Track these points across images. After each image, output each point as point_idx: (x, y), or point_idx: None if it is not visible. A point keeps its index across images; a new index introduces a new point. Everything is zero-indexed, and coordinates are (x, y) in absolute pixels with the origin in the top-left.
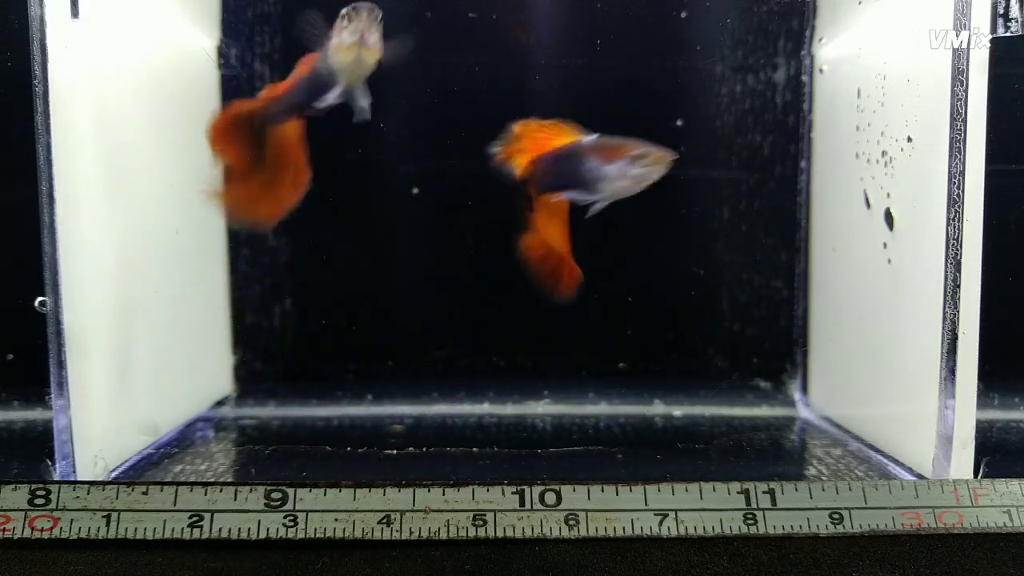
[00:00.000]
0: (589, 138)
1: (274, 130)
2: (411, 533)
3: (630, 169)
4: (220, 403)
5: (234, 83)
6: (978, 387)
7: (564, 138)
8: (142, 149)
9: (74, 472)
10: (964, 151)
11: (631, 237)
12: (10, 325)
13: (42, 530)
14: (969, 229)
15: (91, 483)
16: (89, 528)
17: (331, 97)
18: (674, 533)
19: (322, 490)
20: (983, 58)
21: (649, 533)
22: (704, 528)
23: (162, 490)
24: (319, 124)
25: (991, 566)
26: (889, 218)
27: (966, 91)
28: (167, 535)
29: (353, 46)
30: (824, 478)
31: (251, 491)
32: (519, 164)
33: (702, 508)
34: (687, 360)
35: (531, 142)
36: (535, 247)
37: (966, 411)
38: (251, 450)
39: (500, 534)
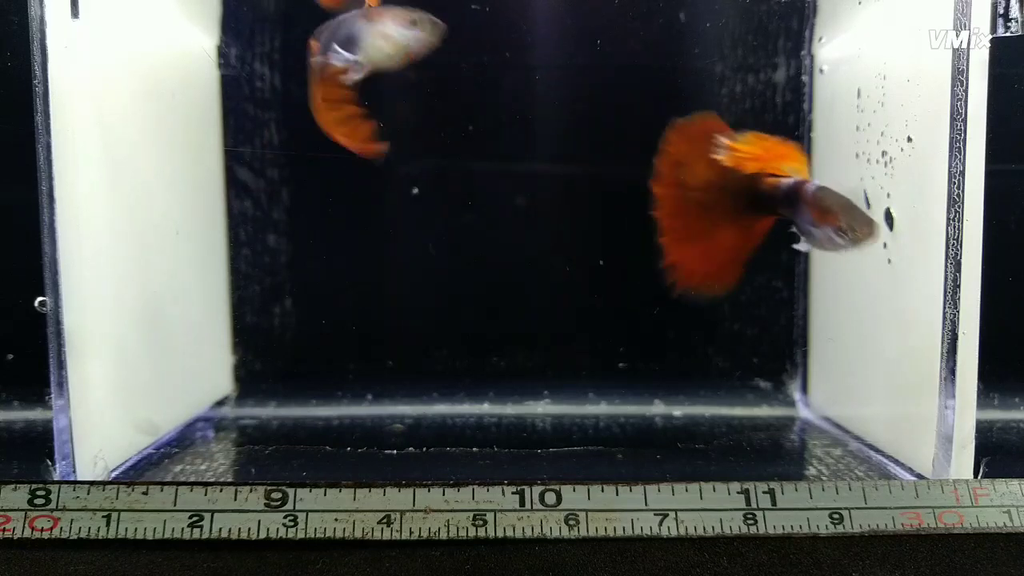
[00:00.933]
0: (812, 184)
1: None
2: (411, 533)
3: (834, 239)
4: (220, 403)
5: (234, 83)
6: (978, 387)
7: (791, 163)
8: (142, 149)
9: (74, 472)
10: (964, 151)
11: (631, 237)
12: (10, 325)
13: (42, 530)
14: (969, 229)
15: (91, 483)
16: (89, 528)
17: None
18: (674, 533)
19: (322, 490)
20: (983, 58)
21: (649, 533)
22: (704, 528)
23: (162, 490)
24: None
25: (991, 566)
26: (889, 218)
27: (966, 91)
28: (167, 535)
29: (399, 46)
30: (824, 478)
31: (251, 491)
32: (741, 169)
33: (702, 508)
34: (687, 360)
35: (762, 152)
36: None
37: (966, 411)
38: (251, 450)
39: (500, 534)
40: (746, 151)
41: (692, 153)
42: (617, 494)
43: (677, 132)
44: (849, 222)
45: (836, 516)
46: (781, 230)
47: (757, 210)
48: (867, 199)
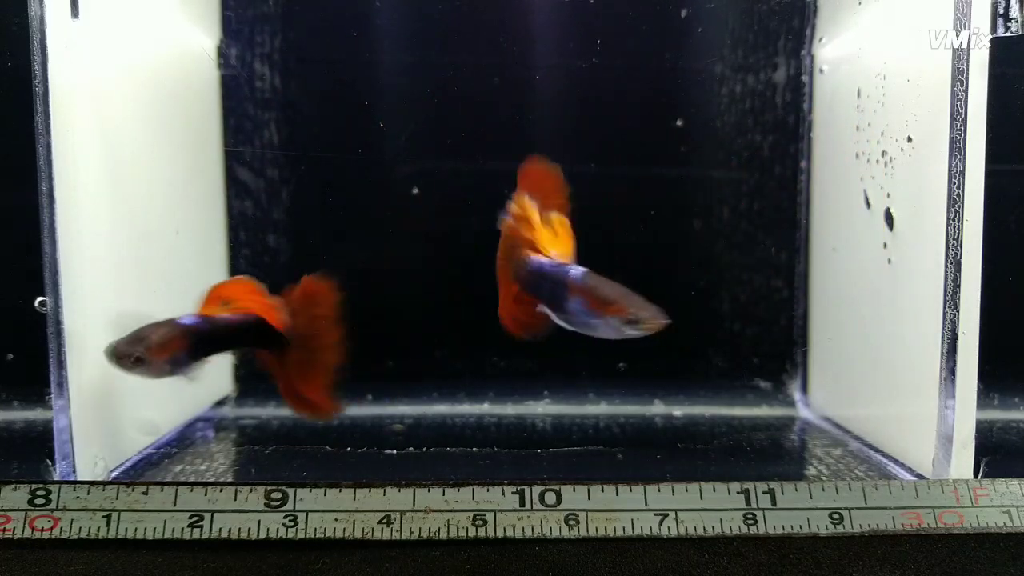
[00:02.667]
0: (577, 272)
1: None
2: (411, 533)
3: (619, 329)
4: (220, 403)
5: (234, 83)
6: (978, 387)
7: (552, 242)
8: (142, 149)
9: (74, 472)
10: (964, 151)
11: (631, 237)
12: (10, 325)
13: (42, 530)
14: (969, 229)
15: (91, 483)
16: (89, 528)
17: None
18: (674, 533)
19: (322, 490)
20: (983, 58)
21: (649, 533)
22: (704, 528)
23: (162, 490)
24: (319, 124)
25: (991, 566)
26: (889, 218)
27: (966, 91)
28: (167, 535)
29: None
30: (824, 478)
31: (251, 491)
32: (506, 249)
33: (702, 508)
34: (687, 360)
35: (522, 224)
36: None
37: (966, 411)
38: (251, 450)
39: (500, 534)
40: (517, 214)
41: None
42: (617, 494)
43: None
44: (634, 312)
45: (836, 516)
46: (781, 229)
47: (527, 292)
48: (867, 199)
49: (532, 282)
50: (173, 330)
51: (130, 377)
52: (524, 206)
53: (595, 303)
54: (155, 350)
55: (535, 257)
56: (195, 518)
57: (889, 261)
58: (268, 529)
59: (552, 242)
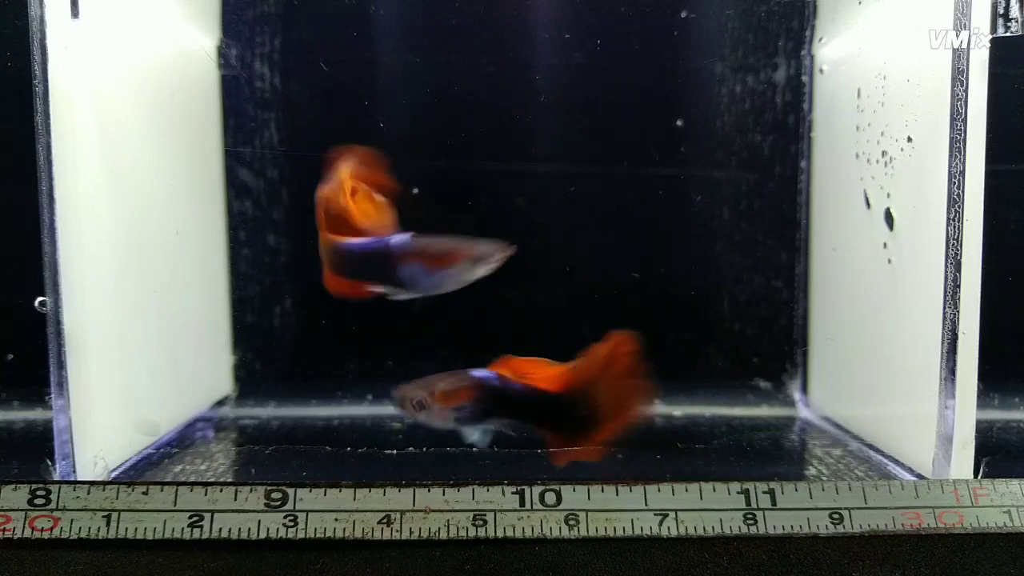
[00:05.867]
0: (399, 238)
1: None
2: (411, 533)
3: (466, 274)
4: (220, 403)
5: (234, 83)
6: (978, 387)
7: (369, 223)
8: (142, 149)
9: (74, 472)
10: (964, 151)
11: (631, 237)
12: (10, 325)
13: (42, 530)
14: (969, 229)
15: (91, 483)
16: (89, 528)
17: None
18: (674, 533)
19: (322, 490)
20: (983, 58)
21: (649, 533)
22: (704, 528)
23: (162, 490)
24: (318, 125)
25: (991, 566)
26: (889, 218)
27: (966, 91)
28: (167, 535)
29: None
30: (824, 478)
31: (251, 491)
32: (322, 237)
33: (702, 508)
34: (687, 360)
35: (334, 213)
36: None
37: (966, 411)
38: (251, 450)
39: (500, 534)
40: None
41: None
42: (617, 494)
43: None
44: (474, 251)
45: (836, 516)
46: (781, 229)
47: (341, 274)
48: (867, 199)
49: (354, 266)
50: (462, 381)
51: (129, 377)
52: (340, 179)
53: (431, 260)
54: (440, 397)
55: (347, 241)
56: (195, 518)
57: (889, 261)
58: (268, 529)
59: (367, 215)
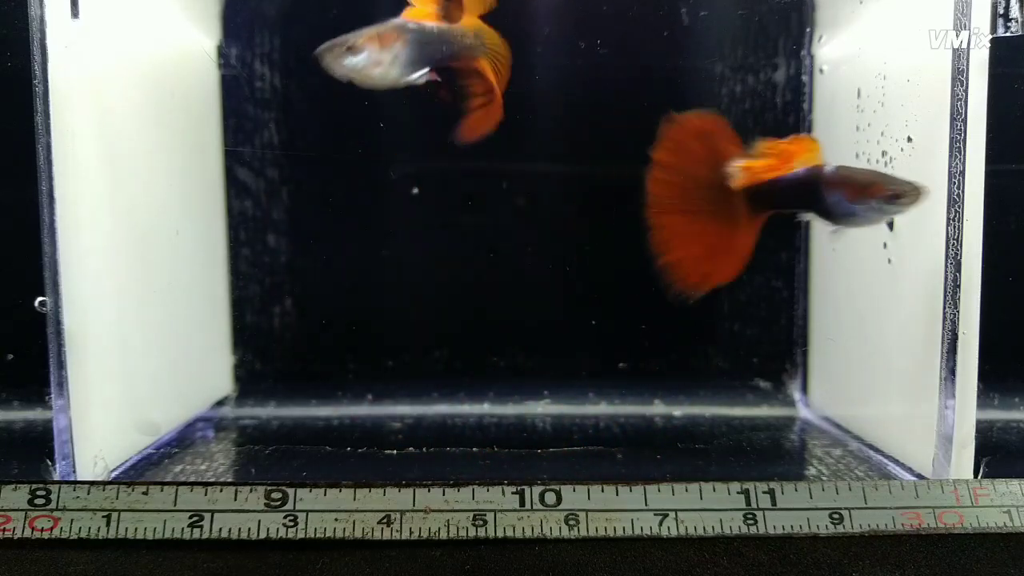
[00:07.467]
0: (829, 168)
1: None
2: (411, 533)
3: (882, 209)
4: (220, 403)
5: (234, 83)
6: (978, 387)
7: (800, 158)
8: (142, 149)
9: (74, 472)
10: (964, 151)
11: (631, 237)
12: (10, 325)
13: (42, 530)
14: (969, 229)
15: (91, 483)
16: (89, 528)
17: None
18: (674, 533)
19: (322, 490)
20: (983, 58)
21: (649, 533)
22: (704, 528)
23: (162, 490)
24: (318, 125)
25: (991, 566)
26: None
27: (966, 91)
28: (167, 535)
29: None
30: (824, 478)
31: (251, 491)
32: (750, 178)
33: (702, 508)
34: (687, 360)
35: (777, 159)
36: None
37: (966, 411)
38: (251, 450)
39: (500, 534)
40: (760, 166)
41: (690, 150)
42: (617, 494)
43: (675, 127)
44: (896, 188)
45: (836, 516)
46: (780, 229)
47: (760, 207)
48: None
49: (789, 193)
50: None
51: (129, 377)
52: (760, 155)
53: (854, 191)
54: (369, 39)
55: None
56: (195, 518)
57: (889, 261)
58: (268, 529)
59: (803, 154)
